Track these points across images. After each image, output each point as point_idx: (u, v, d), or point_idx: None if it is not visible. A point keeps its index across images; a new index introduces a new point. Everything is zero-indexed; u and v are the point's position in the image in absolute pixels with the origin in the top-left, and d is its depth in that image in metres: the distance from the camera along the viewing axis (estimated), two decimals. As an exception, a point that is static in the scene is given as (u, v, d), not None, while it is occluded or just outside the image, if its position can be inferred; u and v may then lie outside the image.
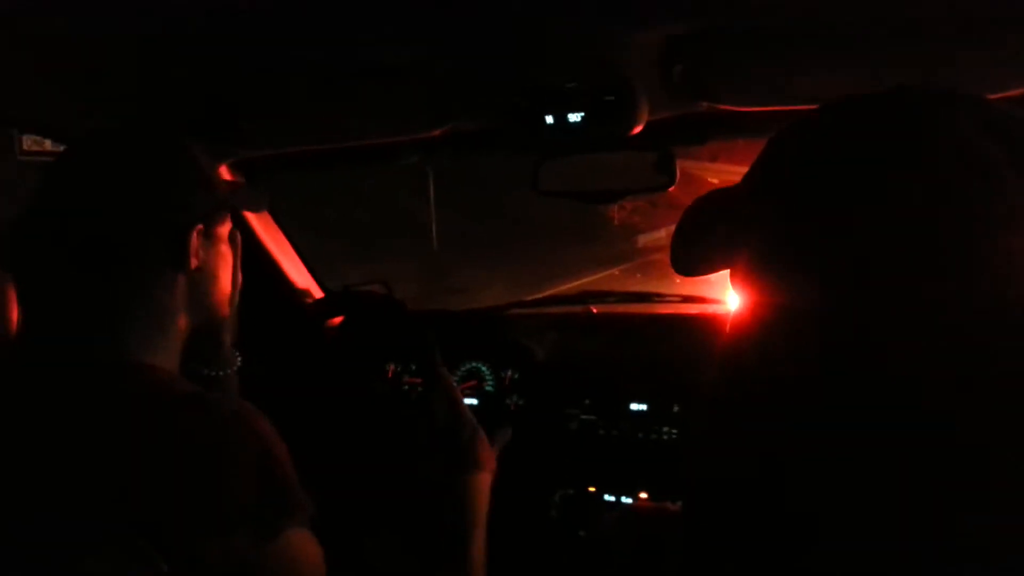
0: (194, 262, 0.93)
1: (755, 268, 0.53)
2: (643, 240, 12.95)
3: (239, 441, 0.80)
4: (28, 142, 4.69)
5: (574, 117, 1.19)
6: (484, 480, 1.23)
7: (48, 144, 4.69)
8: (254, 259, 1.89)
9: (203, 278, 0.96)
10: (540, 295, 2.05)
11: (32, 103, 1.28)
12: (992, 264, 0.43)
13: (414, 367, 1.85)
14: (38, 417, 0.80)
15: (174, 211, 0.91)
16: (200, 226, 0.93)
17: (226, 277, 1.01)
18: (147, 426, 0.78)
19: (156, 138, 0.95)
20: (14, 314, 0.93)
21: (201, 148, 0.98)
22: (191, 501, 0.76)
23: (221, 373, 1.10)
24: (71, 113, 1.30)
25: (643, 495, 1.53)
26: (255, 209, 1.57)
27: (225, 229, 1.01)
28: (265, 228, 1.88)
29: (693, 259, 0.61)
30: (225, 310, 1.02)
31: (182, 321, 0.94)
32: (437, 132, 1.46)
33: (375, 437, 1.81)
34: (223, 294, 1.01)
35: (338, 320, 1.96)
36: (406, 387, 1.85)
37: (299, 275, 1.98)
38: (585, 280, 10.01)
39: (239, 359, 1.13)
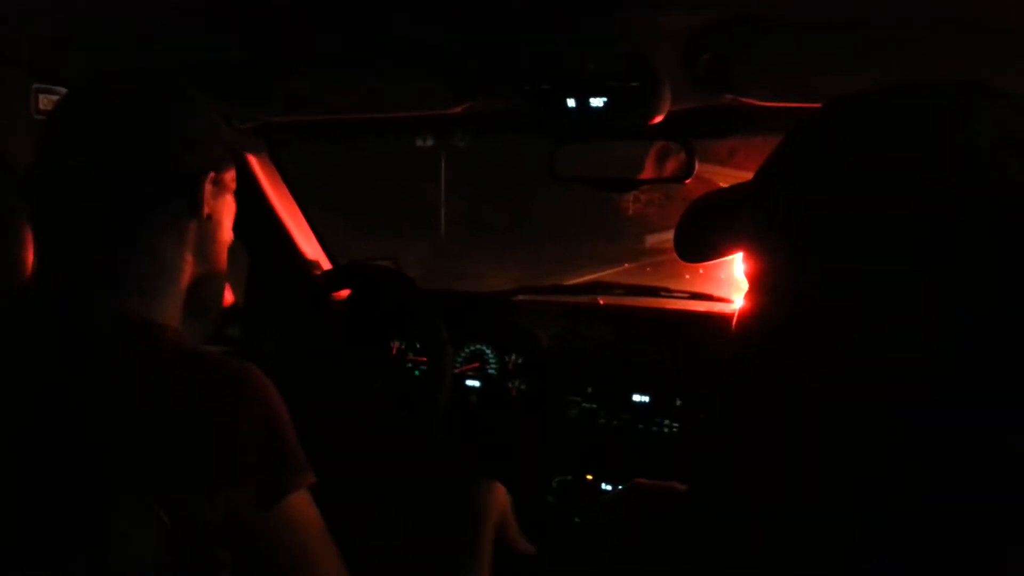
0: (206, 210, 0.92)
1: (758, 267, 0.53)
2: (651, 240, 12.94)
3: (244, 400, 0.80)
4: (44, 100, 4.71)
5: (596, 102, 1.19)
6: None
7: (65, 104, 4.70)
8: (266, 228, 1.89)
9: (211, 226, 0.95)
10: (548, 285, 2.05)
11: (57, 57, 1.28)
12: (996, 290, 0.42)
13: (418, 345, 1.85)
14: (43, 370, 0.80)
15: (186, 157, 0.90)
16: (212, 173, 0.92)
17: (229, 225, 1.01)
18: (152, 382, 0.78)
19: (163, 85, 0.93)
20: (30, 259, 0.93)
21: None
22: (194, 457, 0.76)
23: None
24: (95, 70, 1.30)
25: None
26: (256, 151, 1.52)
27: (231, 176, 0.99)
28: (278, 197, 1.88)
29: (694, 249, 0.60)
30: (225, 259, 1.01)
31: (187, 272, 0.93)
32: (456, 110, 1.46)
33: (376, 414, 1.81)
34: (226, 243, 1.00)
35: (346, 293, 1.96)
36: (409, 364, 1.86)
37: (309, 246, 1.98)
38: (594, 275, 10.01)
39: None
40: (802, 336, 0.48)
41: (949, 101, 0.47)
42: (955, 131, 0.44)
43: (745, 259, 0.55)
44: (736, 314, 0.55)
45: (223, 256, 1.00)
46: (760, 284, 0.53)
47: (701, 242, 0.60)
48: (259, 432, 0.79)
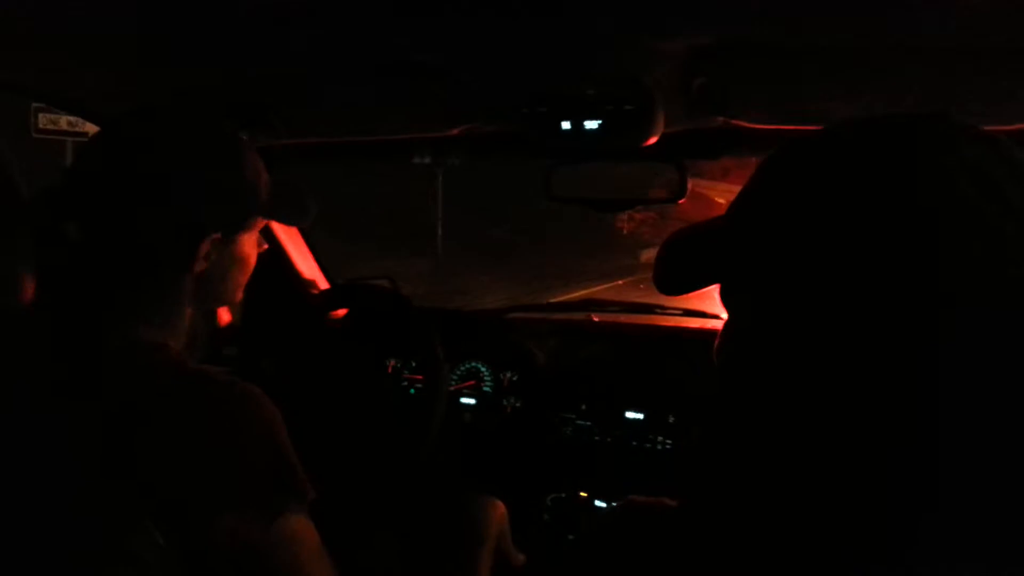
0: (202, 266, 0.91)
1: (730, 300, 0.55)
2: (646, 255, 12.97)
3: (245, 420, 0.81)
4: (44, 120, 4.71)
5: (591, 124, 1.21)
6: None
7: (64, 123, 4.71)
8: (264, 248, 1.90)
9: (206, 283, 0.95)
10: (544, 302, 2.07)
11: (64, 82, 1.30)
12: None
13: (414, 364, 1.87)
14: (48, 385, 0.81)
15: (194, 212, 0.90)
16: (217, 235, 0.92)
17: (237, 279, 1.00)
18: (154, 400, 0.79)
19: (204, 131, 0.93)
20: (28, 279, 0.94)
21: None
22: (195, 475, 0.77)
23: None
24: (101, 94, 1.32)
25: None
26: (293, 222, 1.28)
27: (250, 236, 0.99)
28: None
29: (672, 283, 0.61)
30: (228, 304, 1.02)
31: (188, 311, 0.94)
32: (453, 132, 1.48)
33: (372, 432, 1.81)
34: (230, 294, 1.00)
35: (342, 313, 1.97)
36: (405, 383, 1.87)
37: (307, 266, 1.99)
38: (588, 291, 10.02)
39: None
40: (774, 368, 0.49)
41: (917, 135, 0.48)
42: (922, 163, 0.46)
43: (721, 292, 0.57)
44: (717, 338, 0.56)
45: (225, 302, 1.00)
46: (733, 314, 0.55)
47: (678, 276, 0.61)
48: (259, 454, 0.80)
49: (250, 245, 1.00)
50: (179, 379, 0.83)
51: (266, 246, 1.87)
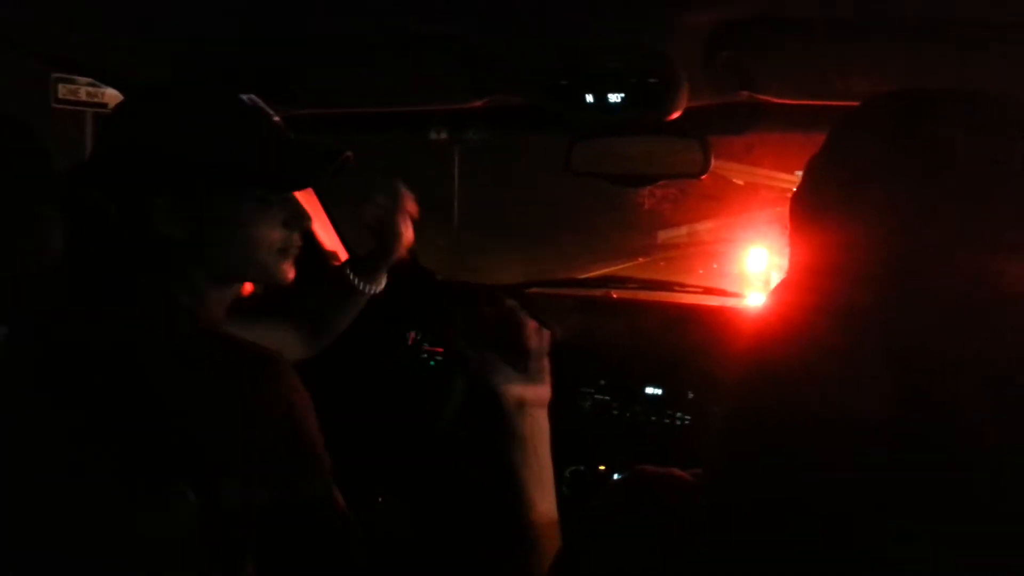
0: (166, 232, 0.91)
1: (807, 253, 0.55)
2: (663, 236, 12.87)
3: (270, 387, 0.82)
4: (63, 90, 4.71)
5: (614, 98, 1.20)
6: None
7: (83, 93, 4.73)
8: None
9: (207, 247, 0.94)
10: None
11: (82, 47, 1.30)
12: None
13: (434, 336, 1.88)
14: (82, 350, 0.83)
15: (189, 183, 0.91)
16: (163, 197, 0.91)
17: (239, 251, 0.96)
18: (183, 364, 0.81)
19: (210, 100, 0.95)
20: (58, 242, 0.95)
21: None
22: (218, 439, 0.78)
23: None
24: (121, 60, 1.32)
25: None
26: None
27: (255, 208, 0.97)
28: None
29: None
30: (236, 276, 0.99)
31: (205, 278, 0.95)
32: (475, 104, 1.47)
33: (391, 403, 1.83)
34: (234, 266, 0.98)
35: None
36: (424, 355, 1.88)
37: (328, 237, 2.00)
38: (607, 269, 10.00)
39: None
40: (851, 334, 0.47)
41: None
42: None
43: (794, 245, 0.57)
44: (762, 309, 0.55)
45: (232, 278, 0.99)
46: (809, 272, 0.54)
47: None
48: (285, 417, 0.82)
49: (256, 217, 0.97)
50: (207, 345, 0.84)
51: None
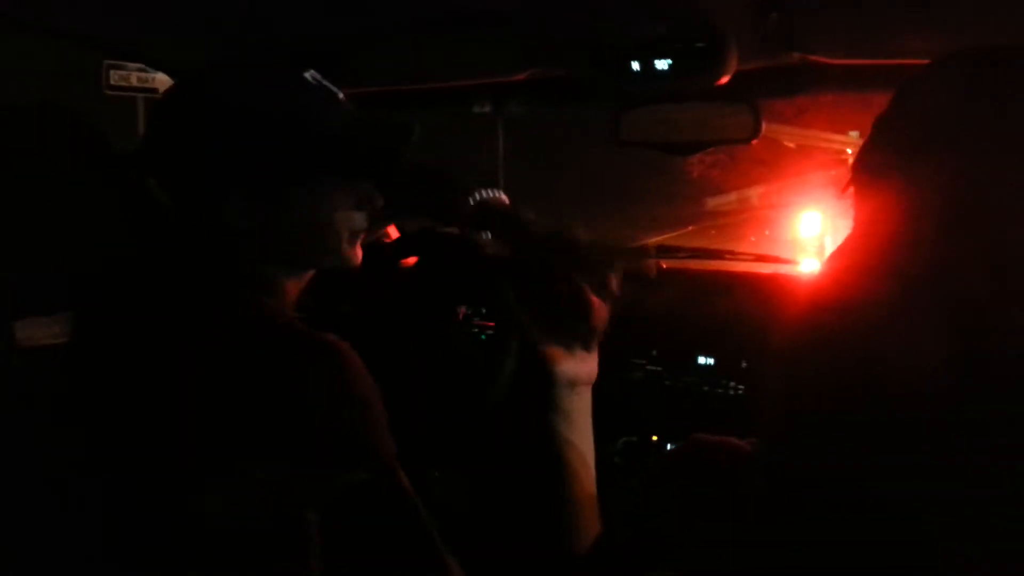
0: (248, 222, 0.88)
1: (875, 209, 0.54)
2: (712, 203, 12.62)
3: (339, 372, 0.82)
4: (115, 76, 4.78)
5: (661, 64, 1.18)
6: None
7: (134, 79, 4.80)
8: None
9: (271, 237, 0.91)
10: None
11: (133, 32, 1.32)
12: None
13: (484, 310, 1.89)
14: (142, 333, 0.85)
15: (245, 170, 0.88)
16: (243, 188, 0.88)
17: (301, 239, 0.94)
18: (250, 349, 0.82)
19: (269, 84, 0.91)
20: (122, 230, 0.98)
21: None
22: (284, 424, 0.79)
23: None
24: (170, 44, 1.34)
25: None
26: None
27: (322, 194, 0.93)
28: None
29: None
30: (297, 265, 0.97)
31: (274, 267, 0.93)
32: (519, 77, 1.46)
33: (443, 377, 1.85)
34: (295, 254, 0.95)
35: (412, 261, 1.99)
36: (475, 329, 1.89)
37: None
38: (657, 238, 9.88)
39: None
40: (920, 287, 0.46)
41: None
42: None
43: (857, 207, 0.56)
44: (818, 275, 0.55)
45: (293, 266, 0.96)
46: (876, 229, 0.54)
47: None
48: (349, 401, 0.82)
49: (329, 202, 0.93)
50: (274, 333, 0.84)
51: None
